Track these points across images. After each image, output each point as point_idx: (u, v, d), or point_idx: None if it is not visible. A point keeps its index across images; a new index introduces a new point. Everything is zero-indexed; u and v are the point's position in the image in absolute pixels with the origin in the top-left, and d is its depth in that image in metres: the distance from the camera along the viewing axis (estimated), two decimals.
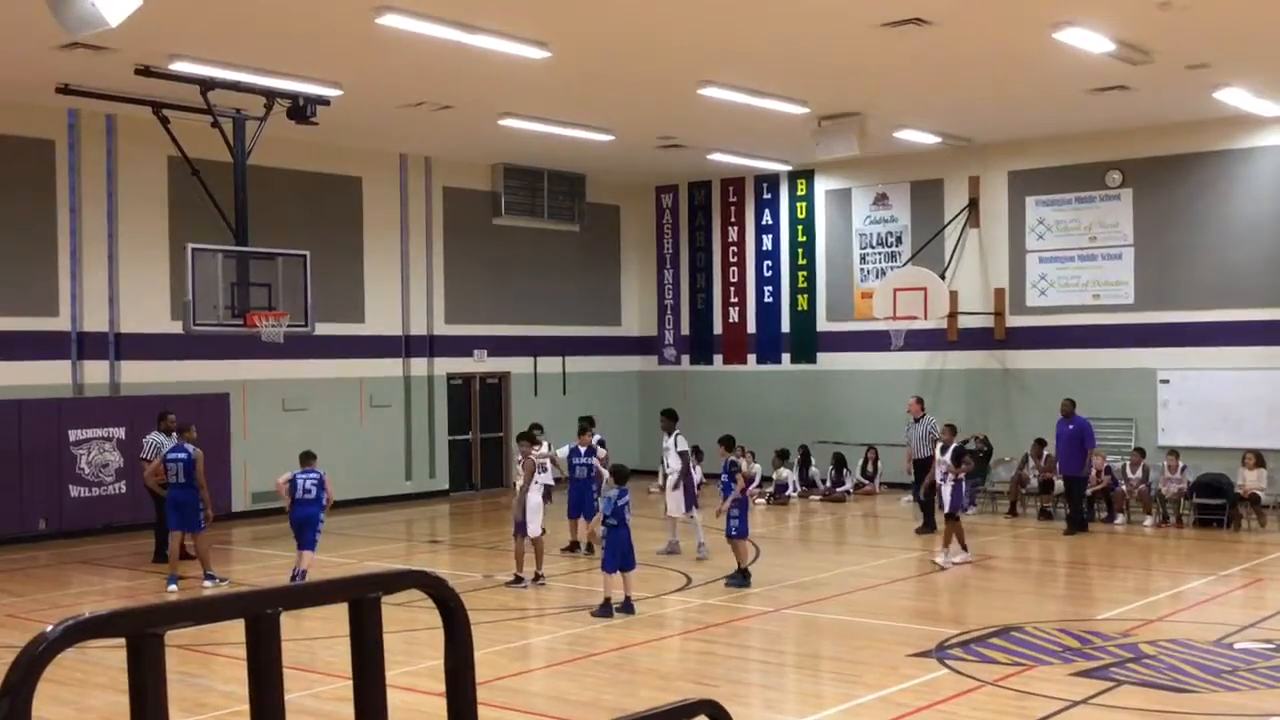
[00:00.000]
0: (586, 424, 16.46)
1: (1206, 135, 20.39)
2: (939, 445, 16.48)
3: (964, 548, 15.57)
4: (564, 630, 12.10)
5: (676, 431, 16.52)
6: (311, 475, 13.82)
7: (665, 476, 16.67)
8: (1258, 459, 18.50)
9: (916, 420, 18.76)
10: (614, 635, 11.64)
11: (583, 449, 16.06)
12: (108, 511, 18.41)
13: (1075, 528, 18.11)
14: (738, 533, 14.00)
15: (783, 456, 22.97)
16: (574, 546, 16.38)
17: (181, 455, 14.48)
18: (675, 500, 16.07)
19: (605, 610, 12.28)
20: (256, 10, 13.48)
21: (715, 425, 25.32)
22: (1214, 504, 18.44)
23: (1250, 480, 18.34)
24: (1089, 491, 18.86)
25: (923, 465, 18.47)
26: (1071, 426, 18.47)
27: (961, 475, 15.82)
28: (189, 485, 14.39)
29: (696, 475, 16.49)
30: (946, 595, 14.05)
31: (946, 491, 15.73)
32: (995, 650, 10.79)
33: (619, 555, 12.35)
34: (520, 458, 14.61)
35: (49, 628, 1.61)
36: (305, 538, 13.82)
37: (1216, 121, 20.01)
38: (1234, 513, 18.24)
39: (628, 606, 12.31)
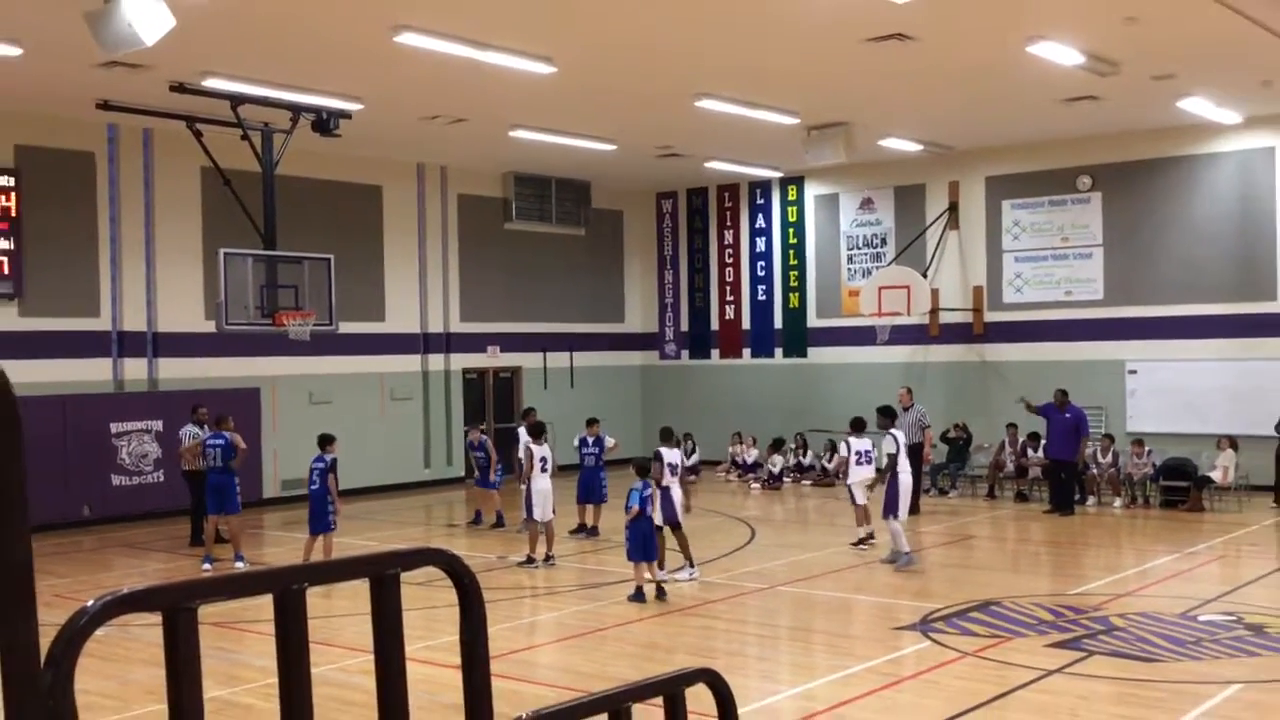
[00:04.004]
0: (593, 420, 16.74)
1: (1171, 142, 20.34)
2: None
3: (690, 562, 13.10)
4: (573, 607, 12.09)
5: (893, 430, 14.53)
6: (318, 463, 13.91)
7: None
8: (1231, 442, 18.45)
9: (906, 409, 18.64)
10: (620, 612, 11.63)
11: (590, 439, 16.32)
12: (147, 499, 18.42)
13: (1064, 509, 18.03)
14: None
15: (776, 446, 22.96)
16: (581, 529, 16.41)
17: (220, 441, 14.54)
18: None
19: (638, 595, 11.97)
20: (283, 30, 13.48)
21: (714, 416, 25.48)
22: (1179, 486, 18.44)
23: (1222, 460, 18.30)
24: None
25: (910, 451, 18.44)
26: (1068, 415, 18.34)
27: (666, 486, 12.63)
28: (226, 470, 14.45)
29: (904, 479, 14.17)
30: (929, 572, 14.01)
31: (657, 501, 12.42)
32: (975, 623, 10.79)
33: (642, 545, 11.99)
34: (529, 444, 14.44)
35: (89, 602, 1.60)
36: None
37: (1180, 129, 19.96)
38: (1196, 495, 18.20)
39: (660, 592, 12.05)
